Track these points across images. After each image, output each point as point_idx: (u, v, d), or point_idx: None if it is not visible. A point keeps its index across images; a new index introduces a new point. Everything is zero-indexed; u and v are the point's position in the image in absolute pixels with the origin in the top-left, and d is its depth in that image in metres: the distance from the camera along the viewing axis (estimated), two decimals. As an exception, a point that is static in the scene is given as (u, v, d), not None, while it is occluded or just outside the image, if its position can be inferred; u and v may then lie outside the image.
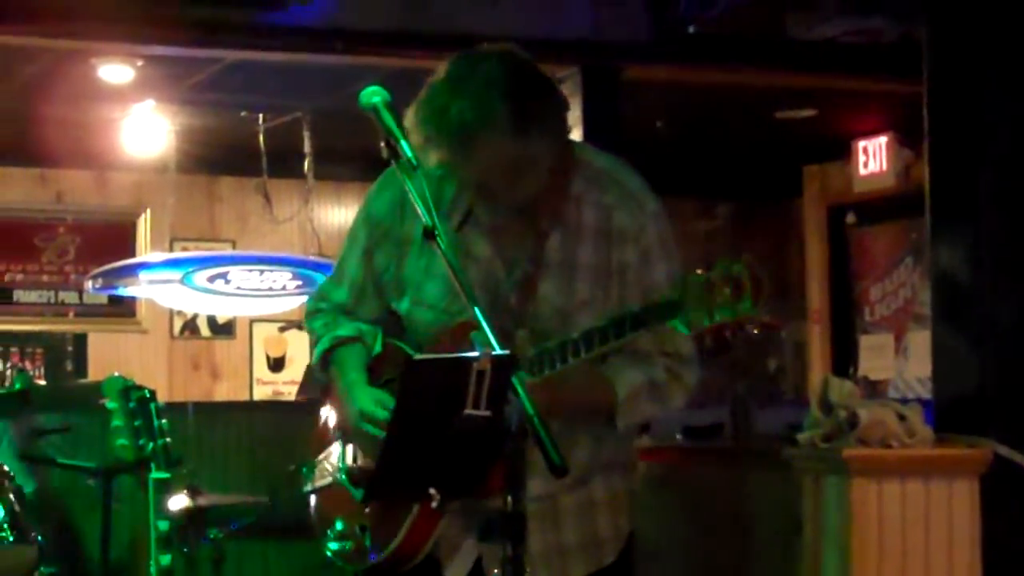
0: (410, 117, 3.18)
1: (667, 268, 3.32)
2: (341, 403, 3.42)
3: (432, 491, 3.01)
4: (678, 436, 5.46)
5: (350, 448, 3.40)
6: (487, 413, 2.82)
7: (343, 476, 3.38)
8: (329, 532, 3.39)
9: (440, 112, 3.14)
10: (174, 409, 5.27)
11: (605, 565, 3.44)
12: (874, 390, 9.96)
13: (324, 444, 3.49)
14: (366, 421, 3.26)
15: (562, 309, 3.30)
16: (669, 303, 2.95)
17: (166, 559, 5.24)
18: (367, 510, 3.30)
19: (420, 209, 3.02)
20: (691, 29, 7.25)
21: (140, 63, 7.96)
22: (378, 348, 3.49)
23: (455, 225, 3.34)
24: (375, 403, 3.25)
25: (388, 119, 3.09)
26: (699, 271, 2.89)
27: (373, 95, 3.11)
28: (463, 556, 3.33)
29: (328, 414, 3.53)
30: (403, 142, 3.08)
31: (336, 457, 3.43)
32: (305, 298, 9.25)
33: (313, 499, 3.50)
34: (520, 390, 2.83)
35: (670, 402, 3.39)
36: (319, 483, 3.46)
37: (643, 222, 3.34)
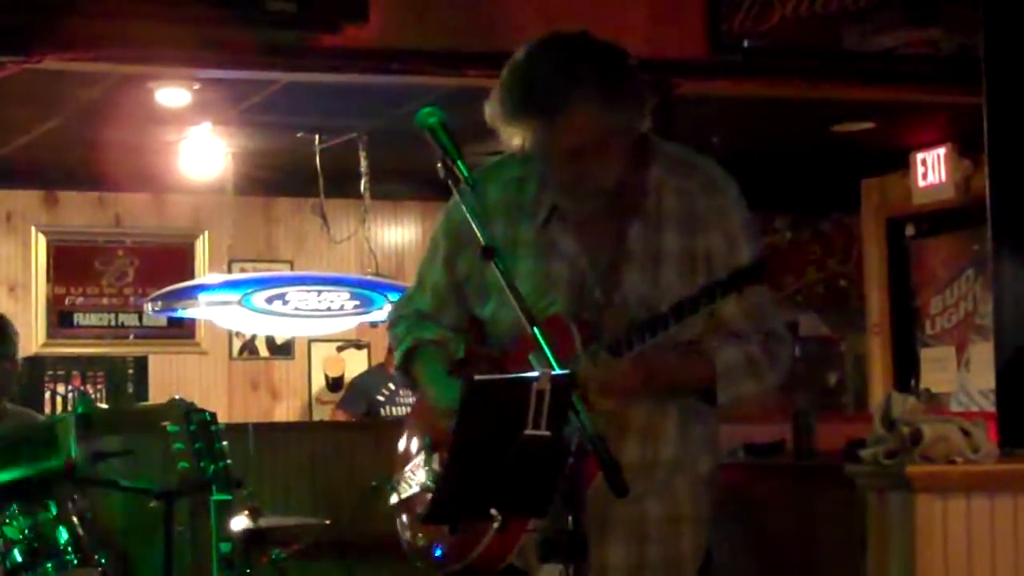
0: (493, 98, 3.21)
1: (751, 250, 3.32)
2: (424, 401, 3.44)
3: (493, 511, 3.00)
4: (740, 454, 5.44)
5: (435, 456, 3.39)
6: (547, 433, 2.82)
7: (430, 481, 3.36)
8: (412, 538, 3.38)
9: (527, 82, 3.17)
10: (234, 431, 5.29)
11: None
12: (936, 403, 9.90)
13: (409, 458, 3.50)
14: (451, 414, 3.25)
15: (649, 298, 3.29)
16: (756, 265, 2.95)
17: (229, 581, 5.26)
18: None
19: (477, 228, 3.02)
20: (746, 43, 7.23)
21: (197, 86, 8.00)
22: (460, 353, 3.49)
23: (540, 222, 3.36)
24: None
25: (444, 139, 3.10)
26: (788, 232, 2.89)
27: (429, 115, 3.12)
28: (548, 570, 3.30)
29: (408, 434, 3.53)
30: (459, 162, 3.09)
31: (422, 466, 3.42)
32: (363, 318, 9.34)
33: (401, 513, 3.49)
34: (580, 409, 2.82)
35: (766, 379, 3.37)
36: (405, 494, 3.45)
37: (726, 207, 3.35)
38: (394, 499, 3.49)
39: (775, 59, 7.51)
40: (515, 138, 3.19)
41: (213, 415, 4.87)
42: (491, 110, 3.21)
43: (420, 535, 3.40)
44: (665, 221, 3.33)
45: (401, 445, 3.54)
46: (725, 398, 3.34)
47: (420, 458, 3.43)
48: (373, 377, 9.41)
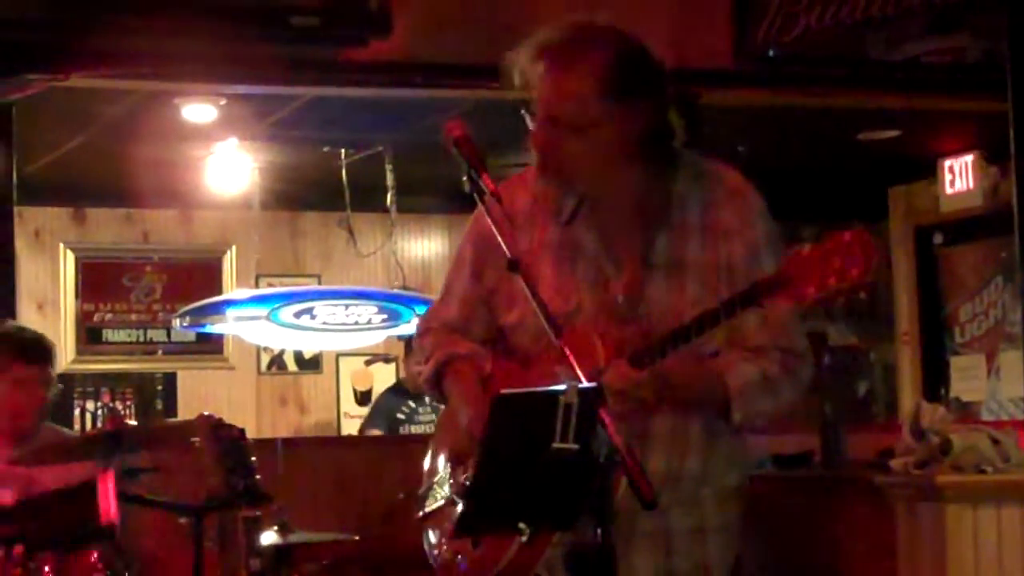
0: (537, 36, 3.25)
1: (775, 261, 3.30)
2: (455, 419, 3.43)
3: (521, 525, 3.00)
4: (768, 464, 5.43)
5: (460, 470, 3.38)
6: (575, 446, 2.81)
7: (456, 495, 3.36)
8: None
9: (559, 36, 3.22)
10: (263, 446, 5.30)
11: None
12: (966, 412, 9.85)
13: (436, 472, 3.50)
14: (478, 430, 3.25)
15: (672, 309, 3.27)
16: (778, 277, 2.94)
17: (258, 596, 5.26)
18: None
19: (502, 241, 3.03)
20: (771, 52, 7.22)
21: (223, 102, 8.03)
22: (487, 369, 3.49)
23: (564, 220, 3.36)
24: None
25: (469, 152, 3.11)
26: (808, 244, 2.89)
27: (454, 129, 3.12)
28: None
29: (436, 447, 3.53)
30: (485, 174, 3.09)
31: (447, 480, 3.42)
32: (391, 332, 9.35)
33: (427, 526, 3.49)
34: (608, 423, 2.82)
35: (783, 396, 3.34)
36: (431, 507, 3.45)
37: (749, 218, 3.34)
38: (420, 512, 3.49)
39: (800, 68, 7.50)
40: (518, 77, 3.21)
41: (242, 431, 4.89)
42: (514, 54, 3.25)
43: (445, 548, 3.40)
44: (689, 232, 3.33)
45: (427, 460, 3.54)
46: (740, 416, 3.31)
47: (446, 472, 3.43)
48: (392, 398, 9.42)
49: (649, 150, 3.28)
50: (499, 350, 3.48)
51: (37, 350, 5.55)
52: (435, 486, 3.47)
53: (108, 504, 4.42)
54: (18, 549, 4.42)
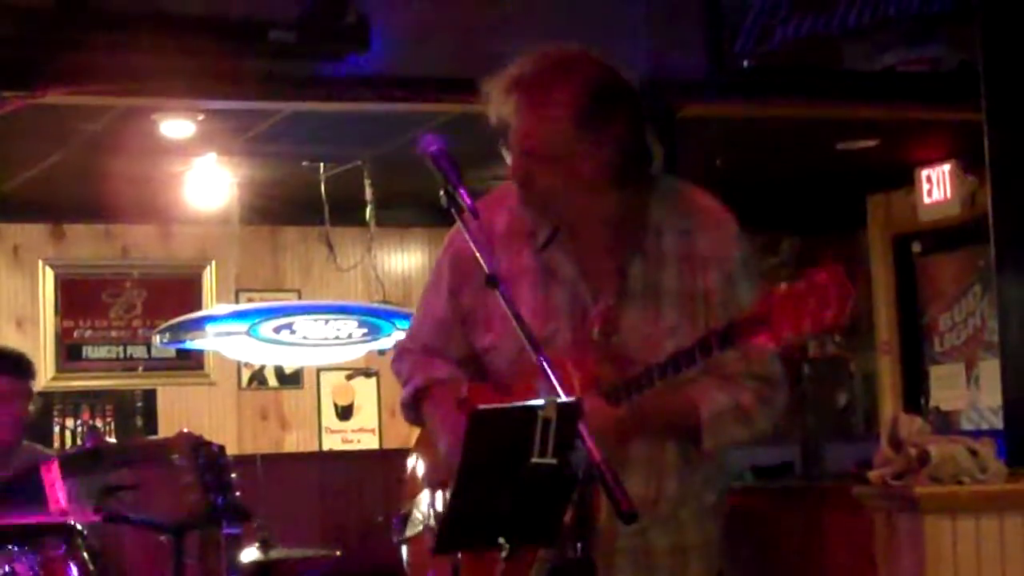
0: (511, 69, 3.23)
1: (751, 290, 3.30)
2: (433, 443, 3.42)
3: (501, 540, 3.00)
4: (748, 476, 5.43)
5: (439, 494, 3.38)
6: (554, 461, 2.81)
7: (433, 521, 3.36)
8: None
9: (535, 71, 3.21)
10: (244, 462, 5.30)
11: None
12: (946, 421, 9.88)
13: (415, 492, 3.49)
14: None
15: (649, 337, 3.27)
16: (754, 317, 2.95)
17: (239, 613, 5.25)
18: (458, 555, 3.28)
19: (480, 257, 3.03)
20: (747, 64, 7.24)
21: (201, 117, 8.02)
22: (463, 392, 3.48)
23: (540, 244, 3.36)
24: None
25: (446, 167, 3.10)
26: (783, 284, 2.89)
27: (431, 143, 3.12)
28: None
29: (416, 463, 3.53)
30: (461, 189, 3.09)
31: (426, 504, 3.42)
32: (371, 346, 9.33)
33: (404, 549, 3.48)
34: (586, 437, 2.82)
35: (757, 425, 3.35)
36: (410, 532, 3.44)
37: (725, 245, 3.34)
38: (398, 534, 3.48)
39: (777, 79, 7.52)
40: (493, 106, 3.21)
41: (221, 447, 4.86)
42: (489, 85, 3.24)
43: (425, 570, 3.39)
44: (665, 259, 3.32)
45: (408, 466, 3.53)
46: (710, 444, 3.32)
47: (425, 495, 3.42)
48: None
49: (626, 176, 3.28)
50: (475, 372, 3.48)
51: (16, 364, 5.57)
52: (414, 509, 3.46)
53: (56, 494, 4.39)
54: None
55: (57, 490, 4.40)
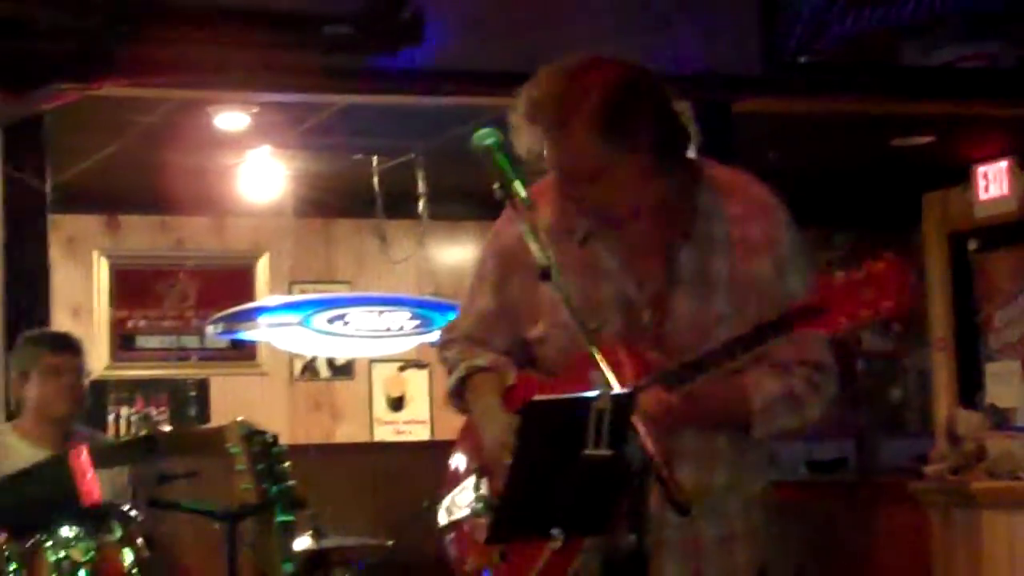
0: (526, 94, 3.22)
1: (802, 277, 3.29)
2: (478, 432, 3.43)
3: (554, 531, 3.00)
4: (802, 470, 5.42)
5: (484, 481, 3.39)
6: (608, 452, 2.81)
7: (481, 506, 3.37)
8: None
9: (550, 93, 3.18)
10: (296, 451, 5.30)
11: None
12: (1002, 418, 9.81)
13: (458, 480, 3.50)
14: (501, 448, 3.25)
15: (699, 325, 3.28)
16: (810, 307, 2.94)
17: (292, 602, 5.26)
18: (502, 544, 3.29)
19: (535, 249, 3.03)
20: (803, 60, 7.21)
21: (255, 110, 8.05)
22: (510, 379, 3.49)
23: (579, 239, 3.35)
24: (510, 430, 3.24)
25: (501, 160, 3.10)
26: (840, 272, 2.89)
27: (485, 136, 3.12)
28: None
29: (458, 455, 3.53)
30: (516, 182, 3.09)
31: (471, 490, 3.42)
32: (423, 338, 9.35)
33: (448, 535, 3.49)
34: (640, 429, 2.82)
35: (808, 412, 3.35)
36: (454, 517, 3.45)
37: (775, 232, 3.32)
38: (443, 519, 3.49)
39: (832, 75, 7.48)
40: (523, 142, 3.21)
41: (275, 436, 4.88)
42: (516, 106, 3.24)
43: (468, 559, 3.40)
44: (715, 246, 3.31)
45: (451, 463, 3.54)
46: (762, 432, 3.32)
47: (469, 482, 3.43)
48: None
49: (667, 163, 3.27)
50: (523, 361, 3.48)
51: (63, 340, 5.65)
52: (458, 495, 3.46)
53: (86, 482, 4.40)
54: (1, 535, 4.42)
55: (88, 479, 4.42)
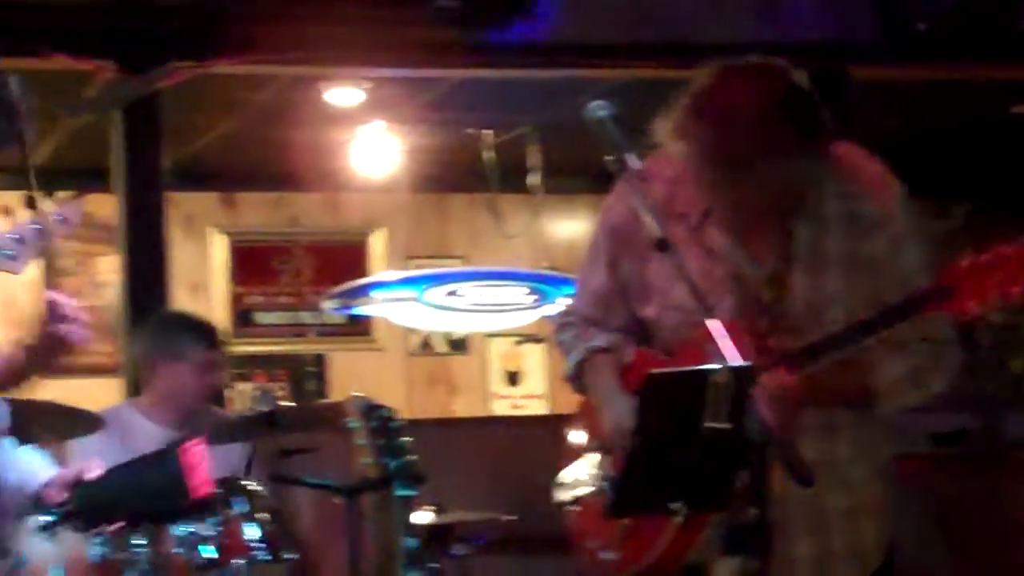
0: (668, 131, 3.19)
1: (919, 255, 3.27)
2: (598, 413, 3.43)
3: (675, 505, 2.99)
4: (924, 443, 5.36)
5: (606, 459, 3.39)
6: (727, 425, 2.80)
7: (603, 483, 3.37)
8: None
9: (710, 141, 3.15)
10: (414, 426, 5.34)
11: (871, 570, 3.39)
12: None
13: (578, 457, 3.50)
14: (621, 433, 3.24)
15: (813, 303, 3.27)
16: (940, 288, 2.92)
17: (414, 575, 5.30)
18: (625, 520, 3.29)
19: (648, 221, 3.01)
20: (920, 27, 7.12)
21: (369, 85, 8.09)
22: (628, 358, 3.48)
23: (695, 223, 3.33)
24: (629, 414, 3.23)
25: (614, 132, 3.09)
26: (969, 255, 2.86)
27: (598, 108, 3.11)
28: (728, 563, 3.28)
29: (578, 431, 3.53)
30: (631, 155, 3.07)
31: (592, 467, 3.43)
32: (539, 312, 9.35)
33: (569, 511, 3.50)
34: (760, 402, 2.80)
35: (932, 388, 3.33)
36: (575, 493, 3.46)
37: (890, 209, 3.30)
38: (563, 496, 3.49)
39: (949, 42, 7.38)
40: (693, 174, 3.19)
41: (393, 411, 4.92)
42: (665, 139, 3.20)
43: (590, 535, 3.40)
44: (830, 224, 3.29)
45: (571, 440, 3.54)
46: (886, 410, 3.30)
47: (590, 458, 3.43)
48: None
49: (806, 150, 3.24)
50: (640, 339, 3.47)
51: (215, 335, 5.68)
52: (578, 472, 3.47)
53: (196, 476, 4.44)
54: (115, 527, 4.47)
55: (200, 472, 4.46)
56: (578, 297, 3.60)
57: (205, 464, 4.48)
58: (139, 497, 4.51)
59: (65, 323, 3.18)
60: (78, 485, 4.37)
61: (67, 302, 3.19)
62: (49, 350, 3.27)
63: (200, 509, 4.50)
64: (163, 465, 4.57)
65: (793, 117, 3.16)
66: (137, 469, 4.66)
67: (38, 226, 3.17)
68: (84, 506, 4.36)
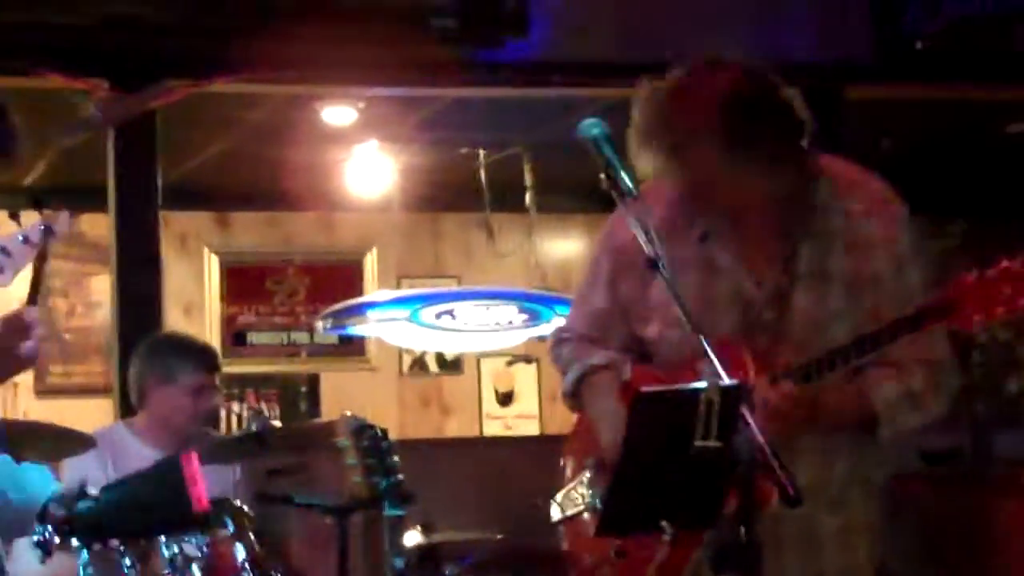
0: (634, 119, 3.18)
1: (919, 273, 3.27)
2: (595, 430, 3.41)
3: (664, 524, 2.97)
4: (915, 461, 5.35)
5: (602, 476, 3.37)
6: (717, 444, 2.78)
7: (596, 502, 3.35)
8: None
9: (660, 117, 3.13)
10: (405, 446, 5.32)
11: None
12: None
13: (572, 476, 3.48)
14: (618, 449, 3.22)
15: (816, 321, 3.27)
16: (944, 304, 2.91)
17: (402, 596, 5.26)
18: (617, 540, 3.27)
19: (641, 239, 3.00)
20: (918, 45, 7.12)
21: (362, 104, 8.08)
22: (627, 375, 3.47)
23: (698, 237, 3.32)
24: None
25: (607, 150, 3.08)
26: (974, 270, 2.87)
27: (591, 127, 3.11)
28: None
29: (572, 450, 3.52)
30: (622, 173, 3.07)
31: (586, 486, 3.41)
32: (532, 332, 9.34)
33: (562, 530, 3.49)
34: (750, 420, 2.79)
35: (932, 410, 3.33)
36: (569, 512, 3.44)
37: (893, 229, 3.31)
38: (556, 515, 3.48)
39: (944, 61, 7.38)
40: (641, 161, 3.18)
41: (384, 431, 4.89)
42: (632, 128, 3.21)
43: (584, 554, 3.39)
44: (832, 242, 3.29)
45: (565, 459, 3.53)
46: (888, 434, 3.30)
47: (584, 477, 3.41)
48: None
49: (787, 158, 3.23)
50: (639, 358, 3.46)
51: (214, 359, 5.65)
52: (572, 492, 3.45)
53: (196, 489, 4.41)
54: (112, 542, 4.44)
55: (198, 485, 4.43)
56: (576, 315, 3.59)
57: (201, 477, 4.46)
58: (142, 510, 4.48)
59: (22, 337, 3.11)
60: (80, 500, 4.35)
61: (31, 317, 3.13)
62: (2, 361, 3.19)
63: (203, 521, 4.47)
64: (165, 477, 4.54)
65: (736, 113, 3.15)
66: (138, 483, 4.63)
67: (22, 237, 3.14)
68: (86, 521, 4.33)
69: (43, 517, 4.30)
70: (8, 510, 4.41)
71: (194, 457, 4.43)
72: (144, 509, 4.48)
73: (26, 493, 4.41)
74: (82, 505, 4.35)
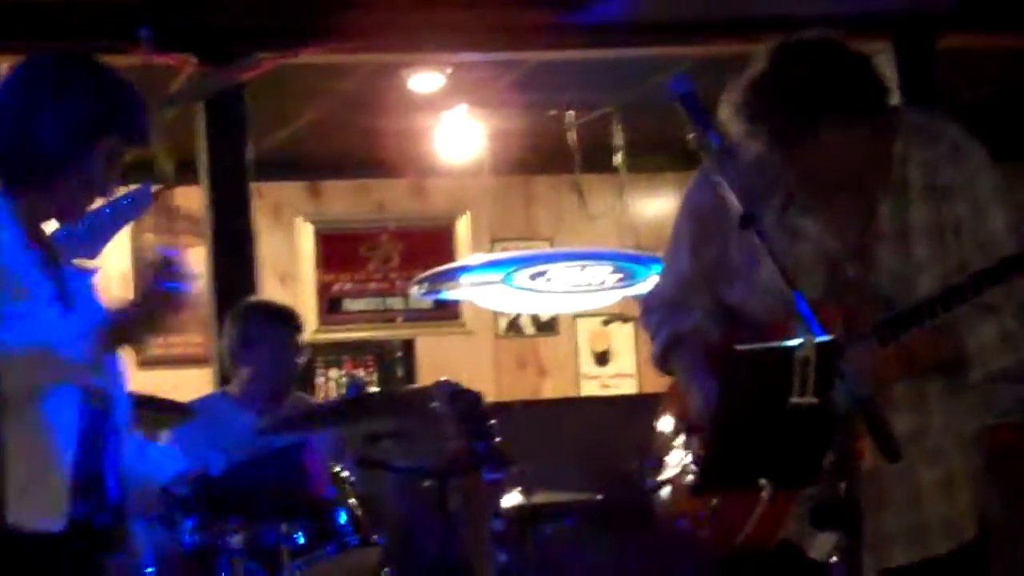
0: (729, 110, 3.17)
1: (1004, 217, 3.24)
2: (685, 396, 3.42)
3: (762, 481, 2.98)
4: (1014, 413, 5.31)
5: (694, 439, 3.38)
6: (814, 400, 2.78)
7: (691, 463, 3.36)
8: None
9: (767, 113, 3.14)
10: (502, 409, 5.35)
11: (966, 541, 3.36)
12: None
13: (667, 438, 3.49)
14: (708, 416, 3.23)
15: (900, 274, 3.25)
16: None
17: (503, 557, 5.32)
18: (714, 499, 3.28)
19: (733, 198, 3.00)
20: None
21: (450, 70, 8.09)
22: (715, 339, 3.46)
23: (780, 206, 3.32)
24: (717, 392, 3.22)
25: (696, 109, 3.08)
26: None
27: (680, 86, 3.10)
28: (825, 538, 3.25)
29: (666, 413, 3.53)
30: (712, 131, 3.06)
31: (681, 448, 3.42)
32: (626, 291, 9.33)
33: (659, 491, 3.49)
34: (847, 376, 2.78)
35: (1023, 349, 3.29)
36: (665, 474, 3.45)
37: (970, 173, 3.27)
38: (653, 476, 3.49)
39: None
40: (751, 149, 3.17)
41: (479, 395, 4.93)
42: (726, 117, 3.18)
43: (680, 515, 3.39)
44: (912, 194, 3.27)
45: (660, 421, 3.54)
46: (980, 377, 3.27)
47: (679, 439, 3.42)
48: None
49: (869, 120, 3.21)
50: (726, 321, 3.45)
51: (291, 317, 5.72)
52: (667, 453, 3.46)
53: (319, 473, 4.46)
54: (236, 521, 4.49)
55: (319, 473, 4.48)
56: (663, 280, 3.60)
57: (322, 465, 4.52)
58: (263, 493, 4.54)
59: (173, 278, 3.10)
60: (201, 479, 4.41)
61: (177, 257, 3.13)
62: (154, 309, 3.17)
63: (317, 508, 4.53)
64: (287, 462, 4.61)
65: (849, 86, 3.13)
66: (259, 465, 4.69)
67: (109, 210, 3.17)
68: (206, 500, 4.39)
69: (166, 495, 4.37)
70: (137, 488, 4.48)
71: (318, 446, 4.48)
72: (266, 493, 4.54)
73: (150, 471, 4.48)
74: (204, 485, 4.41)
